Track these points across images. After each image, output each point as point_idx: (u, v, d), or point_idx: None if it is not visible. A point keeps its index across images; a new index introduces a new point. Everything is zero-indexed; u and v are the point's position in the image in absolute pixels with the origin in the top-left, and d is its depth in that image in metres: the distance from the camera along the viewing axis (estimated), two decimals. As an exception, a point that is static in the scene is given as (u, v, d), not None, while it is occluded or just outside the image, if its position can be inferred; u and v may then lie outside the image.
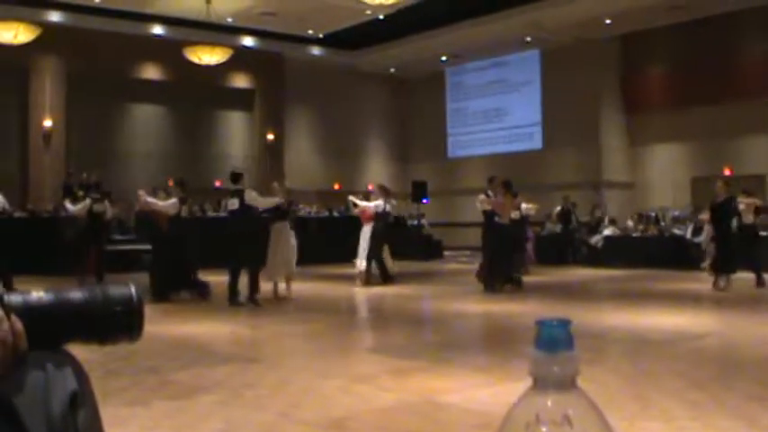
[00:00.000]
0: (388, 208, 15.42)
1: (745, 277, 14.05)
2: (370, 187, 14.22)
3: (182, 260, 12.60)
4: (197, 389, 6.07)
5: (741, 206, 14.33)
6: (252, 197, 12.02)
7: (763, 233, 15.75)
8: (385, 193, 15.67)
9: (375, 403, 5.59)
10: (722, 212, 14.03)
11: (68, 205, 16.37)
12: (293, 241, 12.95)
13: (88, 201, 16.12)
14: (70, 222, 16.81)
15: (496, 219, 13.95)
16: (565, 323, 0.84)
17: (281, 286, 12.94)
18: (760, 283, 14.09)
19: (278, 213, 12.77)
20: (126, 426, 4.73)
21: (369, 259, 15.04)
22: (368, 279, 15.00)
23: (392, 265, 15.52)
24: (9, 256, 13.07)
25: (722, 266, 13.90)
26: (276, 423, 4.99)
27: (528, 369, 0.85)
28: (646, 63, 24.96)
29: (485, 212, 14.16)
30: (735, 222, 14.28)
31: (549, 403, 0.83)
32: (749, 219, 14.56)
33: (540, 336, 0.84)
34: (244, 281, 11.74)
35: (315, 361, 7.59)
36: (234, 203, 12.16)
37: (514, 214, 14.69)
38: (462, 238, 25.81)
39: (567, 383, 0.84)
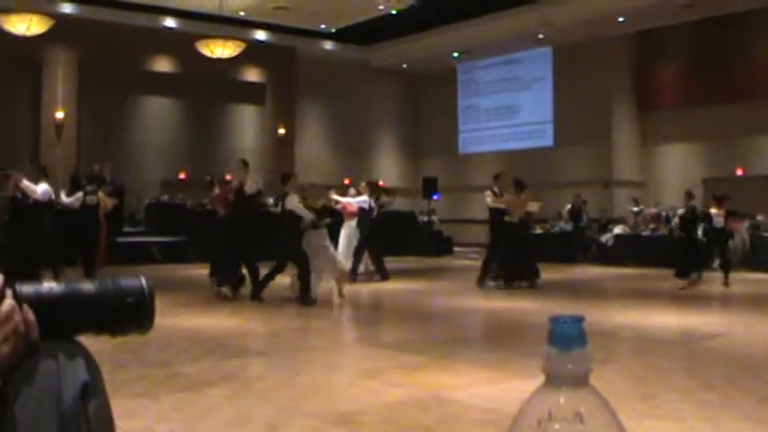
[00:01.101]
0: (373, 204, 14.95)
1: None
2: (347, 182, 13.82)
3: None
4: (205, 382, 6.08)
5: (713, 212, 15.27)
6: (293, 203, 11.48)
7: None
8: (373, 189, 15.47)
9: (382, 398, 5.59)
10: (689, 221, 15.12)
11: (63, 197, 16.20)
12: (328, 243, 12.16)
13: (80, 193, 15.89)
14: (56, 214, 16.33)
15: (506, 218, 13.89)
16: (578, 320, 0.84)
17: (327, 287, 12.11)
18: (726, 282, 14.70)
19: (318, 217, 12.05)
20: (134, 418, 4.74)
21: (356, 256, 14.75)
22: (353, 278, 14.47)
23: (369, 265, 15.18)
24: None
25: (688, 268, 14.61)
26: (283, 416, 5.00)
27: (540, 365, 0.85)
28: (659, 61, 24.88)
29: (493, 209, 14.14)
30: (700, 230, 15.57)
31: (562, 400, 0.83)
32: (719, 223, 15.24)
33: (554, 332, 0.83)
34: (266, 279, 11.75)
35: (323, 355, 7.60)
36: (279, 205, 11.96)
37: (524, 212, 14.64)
38: (472, 234, 25.77)
39: (579, 381, 0.83)
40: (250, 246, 11.88)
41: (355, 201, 14.91)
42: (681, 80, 24.25)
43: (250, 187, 12.09)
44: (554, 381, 0.84)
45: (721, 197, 15.64)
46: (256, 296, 11.43)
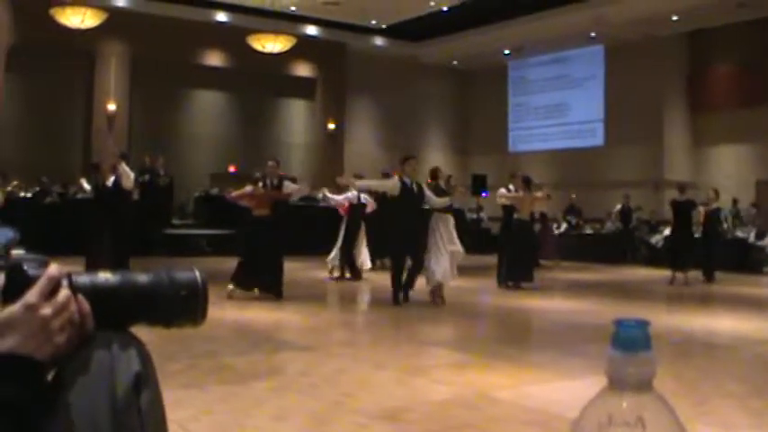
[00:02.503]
0: (363, 199, 14.72)
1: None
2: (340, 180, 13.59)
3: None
4: (252, 375, 6.11)
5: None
6: (427, 196, 11.12)
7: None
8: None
9: (429, 396, 5.58)
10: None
11: (84, 184, 15.92)
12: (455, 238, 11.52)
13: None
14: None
15: (515, 215, 13.86)
16: (643, 324, 0.82)
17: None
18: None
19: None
20: (181, 408, 4.77)
21: (342, 251, 14.58)
22: (341, 273, 14.53)
23: (363, 261, 14.94)
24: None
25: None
26: (329, 412, 5.00)
27: (604, 368, 0.83)
28: (712, 61, 24.56)
29: (504, 208, 14.27)
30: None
31: (624, 404, 0.81)
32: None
33: (618, 336, 0.82)
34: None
35: (369, 351, 7.60)
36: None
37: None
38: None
39: (643, 385, 0.82)
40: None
41: (343, 197, 14.83)
42: (734, 80, 23.90)
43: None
44: (617, 384, 0.82)
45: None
46: (404, 298, 10.99)
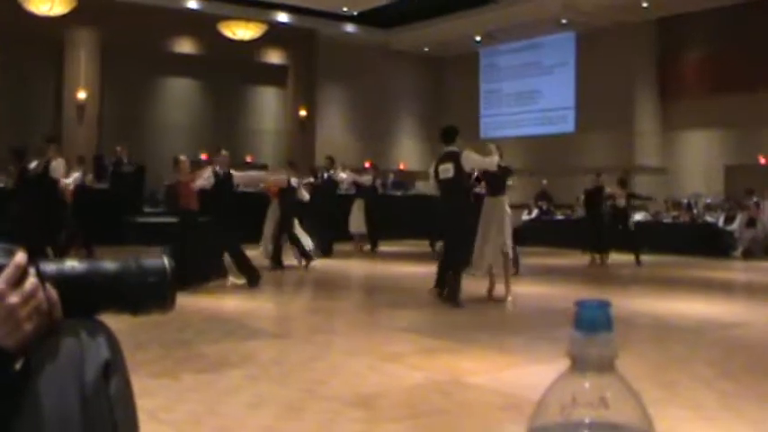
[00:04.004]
0: (294, 183, 14.37)
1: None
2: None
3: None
4: (225, 363, 6.10)
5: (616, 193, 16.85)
6: (471, 159, 9.82)
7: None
8: (294, 169, 15.09)
9: (402, 381, 5.60)
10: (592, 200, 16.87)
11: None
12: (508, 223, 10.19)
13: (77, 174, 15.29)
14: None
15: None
16: (604, 305, 0.83)
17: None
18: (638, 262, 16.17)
19: (496, 183, 10.23)
20: (153, 397, 4.77)
21: (276, 238, 13.97)
22: (278, 260, 13.80)
23: (309, 242, 14.34)
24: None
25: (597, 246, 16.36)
26: (303, 399, 5.01)
27: (565, 350, 0.84)
28: (682, 48, 24.66)
29: None
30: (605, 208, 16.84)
31: (587, 385, 0.82)
32: (622, 203, 16.88)
33: (580, 317, 0.83)
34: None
35: (341, 338, 7.62)
36: (448, 170, 9.77)
37: None
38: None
39: (605, 366, 0.83)
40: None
41: (274, 178, 14.52)
42: (704, 67, 24.02)
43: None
44: (579, 365, 0.83)
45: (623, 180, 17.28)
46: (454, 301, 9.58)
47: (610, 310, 0.83)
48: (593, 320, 0.82)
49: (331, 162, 17.34)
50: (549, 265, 15.90)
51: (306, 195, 14.76)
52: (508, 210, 10.20)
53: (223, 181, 11.06)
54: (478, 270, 10.16)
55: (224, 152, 11.43)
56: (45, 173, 12.24)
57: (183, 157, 11.61)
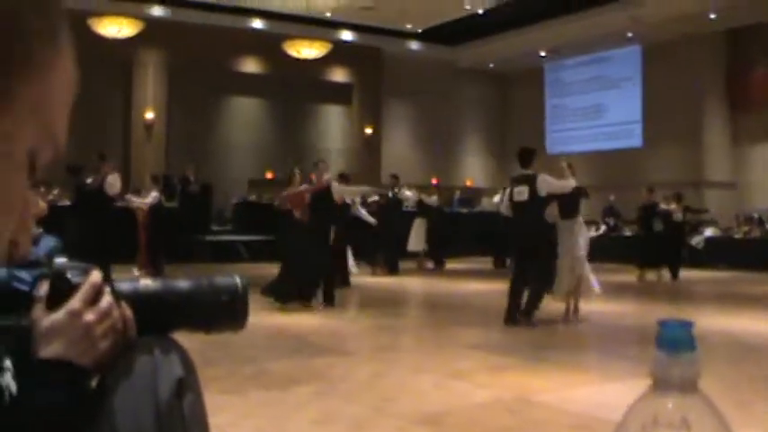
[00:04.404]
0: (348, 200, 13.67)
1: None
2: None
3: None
4: (292, 380, 6.13)
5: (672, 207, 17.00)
6: (547, 182, 9.63)
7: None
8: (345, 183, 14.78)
9: (469, 399, 5.57)
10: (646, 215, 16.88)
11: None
12: (583, 242, 9.99)
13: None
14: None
15: None
16: (688, 324, 0.81)
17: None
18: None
19: (570, 205, 10.07)
20: (221, 413, 4.80)
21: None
22: (344, 277, 13.34)
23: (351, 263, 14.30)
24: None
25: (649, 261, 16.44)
26: (370, 416, 5.00)
27: (648, 370, 0.82)
28: (752, 59, 24.25)
29: None
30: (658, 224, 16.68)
31: (669, 405, 0.80)
32: (679, 218, 17.11)
33: (663, 336, 0.81)
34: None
35: (408, 355, 7.60)
36: (522, 192, 9.65)
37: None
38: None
39: (688, 386, 0.81)
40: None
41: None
42: (775, 79, 23.61)
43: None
44: (661, 385, 0.81)
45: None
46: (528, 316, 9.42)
47: (693, 329, 0.81)
48: (676, 340, 0.81)
49: (396, 180, 17.39)
50: (618, 282, 15.71)
51: (362, 214, 14.67)
52: (584, 230, 10.14)
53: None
54: (558, 293, 10.03)
55: (322, 164, 11.42)
56: (101, 189, 12.40)
57: (298, 170, 11.62)
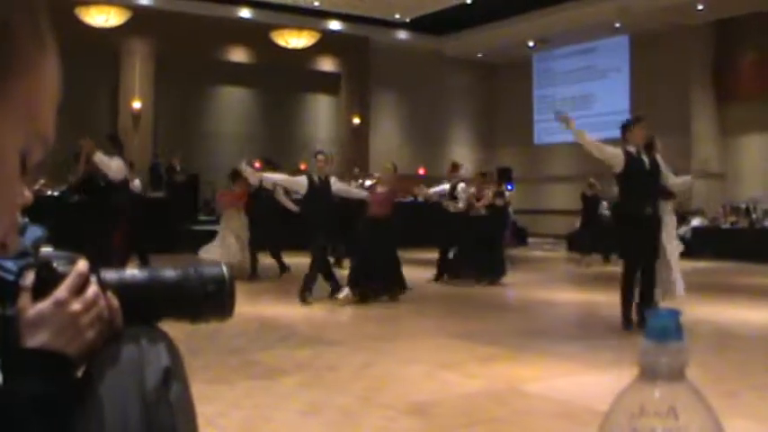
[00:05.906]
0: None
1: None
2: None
3: None
4: (280, 369, 6.13)
5: None
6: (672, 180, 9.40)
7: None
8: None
9: (458, 389, 5.58)
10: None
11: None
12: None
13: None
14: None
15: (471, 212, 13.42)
16: (675, 313, 0.81)
17: None
18: None
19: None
20: (209, 403, 4.80)
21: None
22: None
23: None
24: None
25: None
26: (358, 406, 5.01)
27: (636, 359, 0.82)
28: (738, 50, 24.29)
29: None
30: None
31: (656, 394, 0.80)
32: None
33: (650, 325, 0.81)
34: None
35: (397, 345, 7.60)
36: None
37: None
38: (547, 225, 25.62)
39: (675, 375, 0.81)
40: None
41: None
42: (762, 69, 23.63)
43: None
44: (648, 374, 0.81)
45: None
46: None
47: (680, 318, 0.81)
48: (663, 329, 0.80)
49: (395, 170, 17.11)
50: (603, 273, 15.76)
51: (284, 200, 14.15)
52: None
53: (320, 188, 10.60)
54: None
55: (320, 156, 10.85)
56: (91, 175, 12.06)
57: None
